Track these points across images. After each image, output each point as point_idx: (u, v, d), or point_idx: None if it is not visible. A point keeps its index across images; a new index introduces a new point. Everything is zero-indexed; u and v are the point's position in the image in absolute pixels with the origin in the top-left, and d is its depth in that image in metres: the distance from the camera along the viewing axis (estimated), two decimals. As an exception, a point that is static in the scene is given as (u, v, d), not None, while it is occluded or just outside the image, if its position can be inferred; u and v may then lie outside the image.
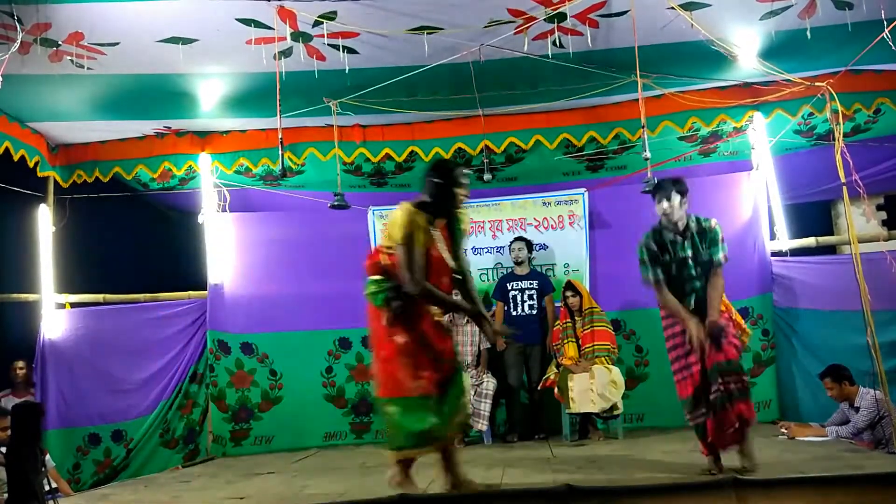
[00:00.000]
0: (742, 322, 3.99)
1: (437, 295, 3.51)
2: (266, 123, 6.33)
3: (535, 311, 6.17)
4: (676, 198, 3.90)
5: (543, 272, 6.43)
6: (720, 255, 3.86)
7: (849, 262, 4.82)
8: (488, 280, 6.56)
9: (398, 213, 3.50)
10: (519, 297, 6.19)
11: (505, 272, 6.44)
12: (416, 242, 3.44)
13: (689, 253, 3.89)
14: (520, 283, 6.21)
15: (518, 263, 6.26)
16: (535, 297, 6.17)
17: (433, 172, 3.65)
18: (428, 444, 3.49)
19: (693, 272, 3.90)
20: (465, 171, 3.71)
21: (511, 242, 6.33)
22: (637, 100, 5.10)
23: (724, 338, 3.76)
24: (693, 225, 3.94)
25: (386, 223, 3.64)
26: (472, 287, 3.76)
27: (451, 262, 3.61)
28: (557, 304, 6.14)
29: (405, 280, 3.44)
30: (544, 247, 6.57)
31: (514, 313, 6.17)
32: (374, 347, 3.66)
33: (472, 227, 6.63)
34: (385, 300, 3.51)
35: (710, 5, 4.82)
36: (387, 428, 3.61)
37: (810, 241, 6.24)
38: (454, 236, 3.68)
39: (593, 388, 5.58)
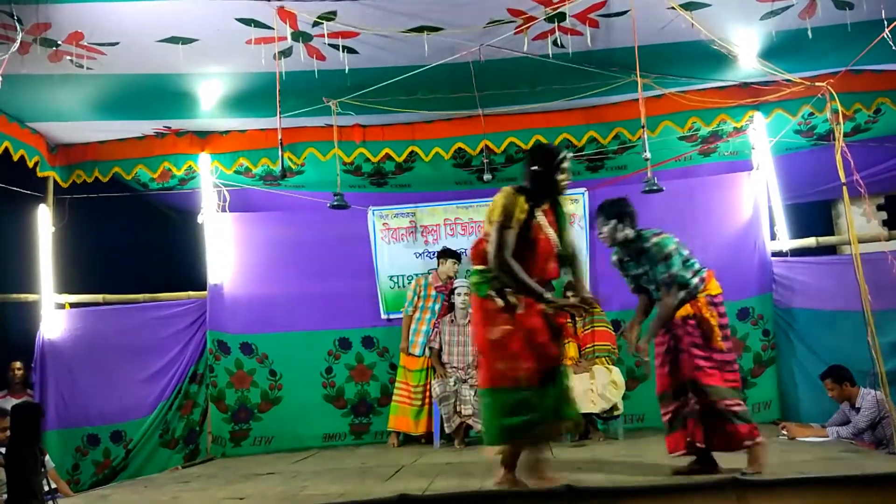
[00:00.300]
0: (720, 342, 3.77)
1: (515, 273, 3.40)
2: (266, 123, 6.32)
3: None
4: (605, 224, 3.87)
5: None
6: (664, 275, 3.75)
7: (849, 263, 4.81)
8: (488, 280, 6.55)
9: (497, 196, 3.47)
10: None
11: None
12: (510, 223, 3.38)
13: (640, 271, 3.88)
14: None
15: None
16: None
17: (533, 159, 3.58)
18: (522, 438, 3.42)
19: (649, 288, 3.89)
20: (568, 155, 3.60)
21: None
22: (637, 100, 5.09)
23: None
24: (636, 245, 3.85)
25: (488, 208, 3.57)
26: (579, 270, 3.69)
27: (557, 246, 3.56)
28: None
29: (490, 256, 3.40)
30: (544, 247, 6.56)
31: None
32: (477, 338, 3.61)
33: (472, 227, 6.65)
34: (488, 290, 3.48)
35: (710, 5, 4.82)
36: (483, 422, 3.55)
37: (811, 242, 6.23)
38: (559, 221, 3.61)
39: (593, 388, 5.57)
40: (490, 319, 3.47)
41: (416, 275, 6.49)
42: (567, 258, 3.64)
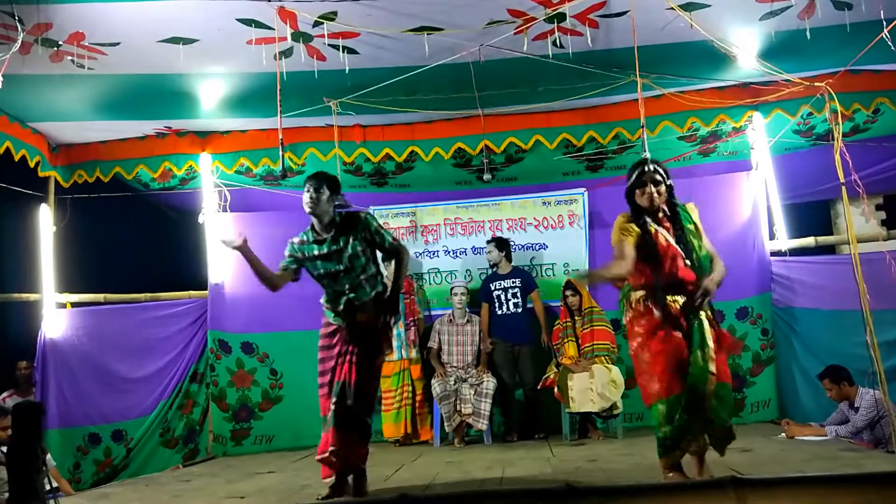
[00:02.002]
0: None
1: (612, 272, 3.51)
2: (266, 123, 6.33)
3: (520, 310, 6.18)
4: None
5: (529, 270, 6.45)
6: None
7: (848, 262, 4.82)
8: (488, 280, 6.58)
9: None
10: (503, 297, 6.20)
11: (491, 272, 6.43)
12: (622, 243, 3.45)
13: None
14: (502, 282, 6.22)
15: (493, 265, 6.28)
16: (518, 295, 6.18)
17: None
18: (668, 450, 3.43)
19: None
20: (645, 168, 3.52)
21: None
22: (637, 100, 5.10)
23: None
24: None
25: None
26: (717, 268, 3.54)
27: (679, 250, 3.46)
28: (557, 304, 6.15)
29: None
30: (544, 246, 6.58)
31: (499, 313, 6.19)
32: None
33: (472, 226, 6.66)
34: (623, 302, 3.61)
35: (709, 6, 4.83)
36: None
37: (809, 241, 6.24)
38: (678, 228, 3.50)
39: (593, 387, 5.59)
40: (630, 331, 3.60)
41: (412, 276, 6.51)
42: (697, 259, 3.49)
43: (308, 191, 3.81)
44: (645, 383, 3.49)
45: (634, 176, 3.53)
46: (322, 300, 3.95)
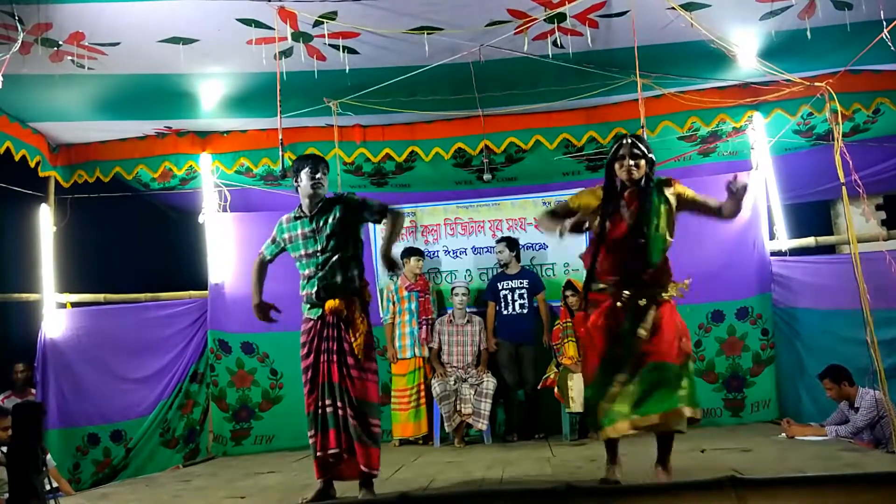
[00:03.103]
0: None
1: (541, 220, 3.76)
2: (266, 123, 6.33)
3: (525, 311, 6.17)
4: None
5: (535, 271, 6.45)
6: None
7: (848, 262, 4.82)
8: (488, 279, 6.57)
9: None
10: (509, 297, 6.20)
11: (498, 272, 6.44)
12: (569, 199, 3.64)
13: None
14: (510, 282, 6.22)
15: (504, 265, 6.28)
16: (525, 295, 6.18)
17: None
18: (592, 414, 3.59)
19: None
20: (623, 142, 3.53)
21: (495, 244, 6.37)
22: (637, 100, 5.10)
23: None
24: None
25: None
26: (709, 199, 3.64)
27: (628, 229, 3.45)
28: (557, 304, 6.15)
29: None
30: (544, 246, 6.58)
31: (504, 313, 6.19)
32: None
33: (472, 226, 6.66)
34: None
35: (709, 5, 4.83)
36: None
37: (810, 241, 6.24)
38: (645, 204, 3.48)
39: (593, 387, 5.57)
40: None
41: (427, 275, 6.51)
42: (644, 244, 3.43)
43: (314, 175, 3.82)
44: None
45: (613, 150, 3.55)
46: (301, 290, 3.95)
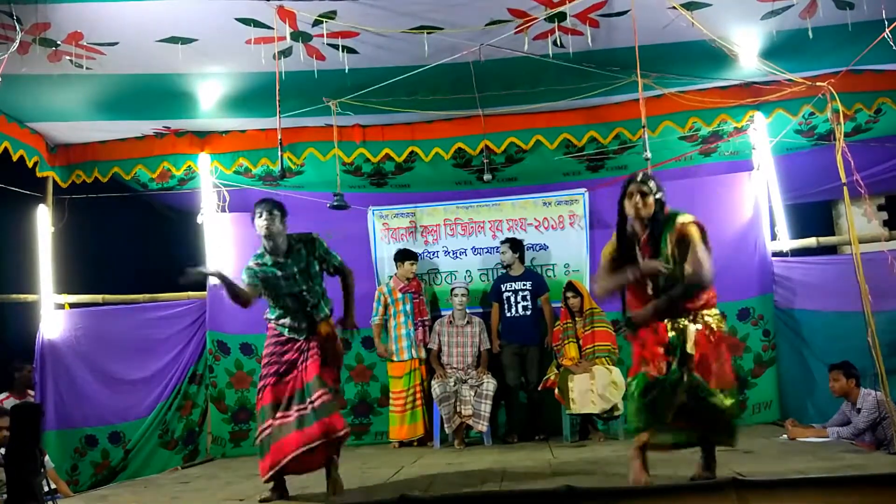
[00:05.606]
0: None
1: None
2: (265, 123, 6.32)
3: (529, 312, 6.16)
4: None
5: (539, 272, 6.43)
6: None
7: (850, 263, 4.81)
8: (488, 280, 6.55)
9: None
10: (513, 298, 6.18)
11: (502, 273, 6.43)
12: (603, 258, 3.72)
13: None
14: (513, 284, 6.21)
15: (507, 266, 6.26)
16: (528, 297, 6.16)
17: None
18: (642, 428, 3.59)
19: None
20: (633, 179, 3.57)
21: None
22: (637, 100, 5.08)
23: None
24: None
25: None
26: (675, 289, 3.53)
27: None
28: (558, 305, 6.14)
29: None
30: (544, 247, 6.57)
31: (508, 314, 6.18)
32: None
33: (472, 227, 6.65)
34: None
35: (710, 5, 4.81)
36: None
37: (811, 242, 6.23)
38: (656, 243, 3.53)
39: (594, 388, 5.57)
40: None
41: (419, 276, 6.49)
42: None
43: (261, 215, 3.96)
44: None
45: (623, 186, 3.63)
46: (271, 316, 4.07)
